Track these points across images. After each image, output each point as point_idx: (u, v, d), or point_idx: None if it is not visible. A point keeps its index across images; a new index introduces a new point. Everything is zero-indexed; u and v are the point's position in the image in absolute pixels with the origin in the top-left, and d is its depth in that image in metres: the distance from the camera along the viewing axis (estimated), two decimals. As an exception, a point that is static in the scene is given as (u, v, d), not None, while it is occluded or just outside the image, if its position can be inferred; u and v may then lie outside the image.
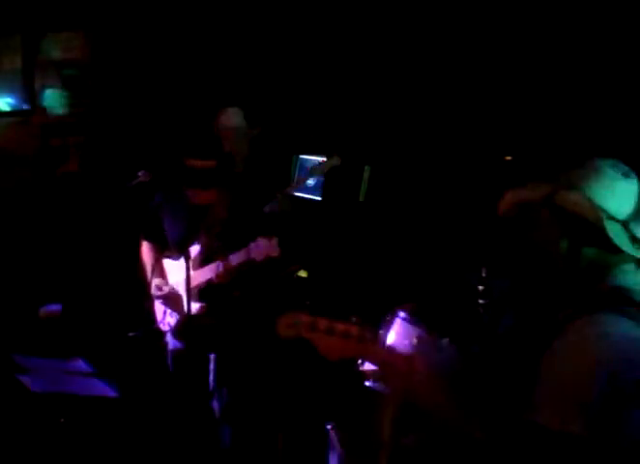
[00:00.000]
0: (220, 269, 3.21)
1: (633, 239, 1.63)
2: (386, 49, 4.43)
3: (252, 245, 3.10)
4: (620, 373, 1.48)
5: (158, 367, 3.56)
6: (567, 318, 1.62)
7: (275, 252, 3.08)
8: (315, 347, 1.74)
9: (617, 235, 1.61)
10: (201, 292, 3.32)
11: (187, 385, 3.49)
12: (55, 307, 4.28)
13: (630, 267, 1.65)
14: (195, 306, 3.26)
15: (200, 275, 3.29)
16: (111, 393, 2.70)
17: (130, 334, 3.48)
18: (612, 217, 1.62)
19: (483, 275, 3.12)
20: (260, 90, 4.89)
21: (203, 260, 3.32)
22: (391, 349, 1.78)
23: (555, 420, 1.50)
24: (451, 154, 4.16)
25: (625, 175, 1.67)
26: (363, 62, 4.55)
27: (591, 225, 1.61)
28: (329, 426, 2.95)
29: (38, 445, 3.26)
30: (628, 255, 1.64)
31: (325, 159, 3.67)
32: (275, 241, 3.08)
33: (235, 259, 3.17)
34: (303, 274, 3.97)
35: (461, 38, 4.08)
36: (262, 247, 3.08)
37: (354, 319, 1.85)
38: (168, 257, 3.44)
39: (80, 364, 2.80)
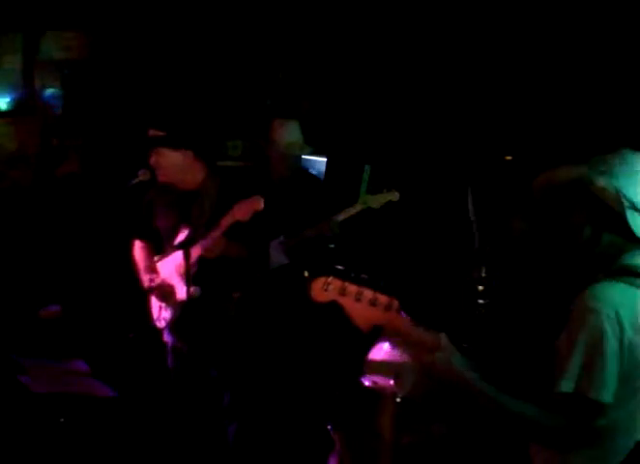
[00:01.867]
0: (208, 242, 3.17)
1: None
2: (386, 50, 4.43)
3: (235, 207, 3.08)
4: (624, 336, 1.60)
5: (158, 366, 3.56)
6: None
7: (259, 205, 3.06)
8: (345, 313, 1.76)
9: (637, 225, 1.66)
10: (195, 276, 3.25)
11: (187, 382, 3.48)
12: (55, 307, 4.28)
13: None
14: (190, 290, 3.21)
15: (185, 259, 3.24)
16: (111, 393, 2.69)
17: (131, 335, 3.47)
18: (636, 208, 1.67)
19: (483, 274, 3.12)
20: (260, 90, 4.89)
21: (186, 243, 3.27)
22: (414, 322, 1.77)
23: (575, 387, 1.60)
24: (452, 154, 4.16)
25: None
26: (363, 62, 4.54)
27: (614, 213, 1.67)
28: (329, 426, 2.95)
29: (38, 445, 3.25)
30: None
31: (385, 192, 3.68)
32: (257, 197, 3.06)
33: (220, 227, 3.13)
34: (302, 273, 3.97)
35: (461, 38, 4.08)
36: (246, 206, 3.06)
37: (382, 284, 1.85)
38: (161, 255, 3.41)
39: (80, 364, 2.80)
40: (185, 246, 3.14)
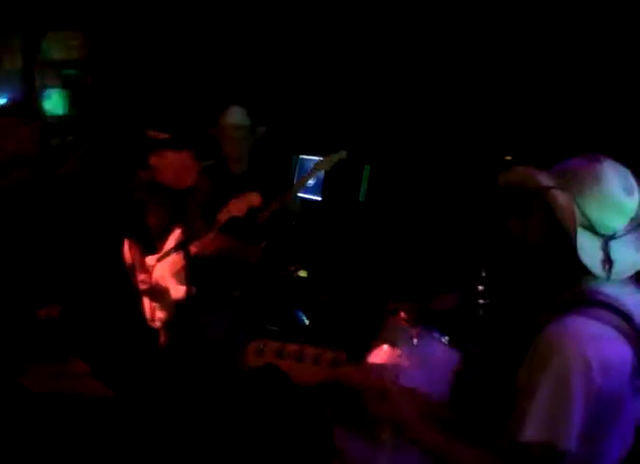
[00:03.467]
0: (205, 239, 3.19)
1: (606, 260, 1.55)
2: (386, 50, 4.43)
3: (231, 202, 3.09)
4: (592, 378, 1.46)
5: (156, 366, 3.56)
6: (540, 324, 1.57)
7: (255, 201, 3.06)
8: (286, 374, 1.66)
9: (586, 251, 1.54)
10: (190, 276, 3.26)
11: (185, 380, 3.48)
12: (55, 307, 4.28)
13: None
14: (184, 290, 3.23)
15: (182, 258, 3.27)
16: (111, 393, 2.70)
17: (130, 335, 3.48)
18: (592, 230, 1.55)
19: (483, 274, 3.12)
20: (260, 90, 4.89)
21: (184, 242, 3.28)
22: (369, 371, 1.68)
23: (539, 436, 1.46)
24: (452, 154, 4.16)
25: (627, 190, 1.58)
26: (363, 62, 4.55)
27: (566, 233, 1.55)
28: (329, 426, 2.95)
29: (38, 445, 3.25)
30: None
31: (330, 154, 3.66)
32: (254, 193, 3.07)
33: (217, 224, 3.15)
34: (302, 273, 3.97)
35: (461, 38, 4.08)
36: (242, 202, 3.07)
37: (322, 298, 1.77)
38: (158, 255, 3.42)
39: (80, 365, 2.80)
40: (183, 247, 3.15)
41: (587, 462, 1.51)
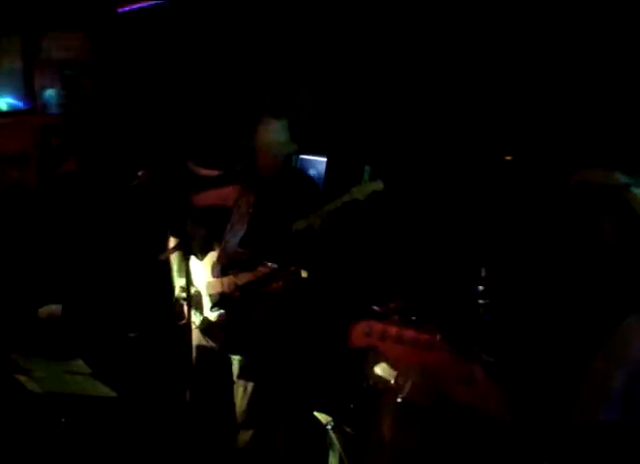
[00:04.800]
0: (232, 285, 3.30)
1: None
2: (386, 49, 4.43)
3: (260, 268, 3.18)
4: None
5: (179, 364, 3.58)
6: (617, 318, 1.63)
7: (297, 278, 3.20)
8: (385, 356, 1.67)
9: None
10: (222, 298, 3.39)
11: (208, 382, 3.55)
12: (55, 307, 4.28)
13: None
14: (216, 314, 3.39)
15: (216, 286, 3.40)
16: (111, 393, 2.70)
17: (131, 335, 3.48)
18: None
19: (483, 274, 3.12)
20: (260, 90, 4.89)
21: (223, 268, 3.40)
22: (462, 359, 1.65)
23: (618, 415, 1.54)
24: (451, 154, 4.16)
25: None
26: (363, 62, 4.55)
27: None
28: (329, 426, 2.95)
29: (38, 445, 3.25)
30: None
31: (369, 182, 3.66)
32: (302, 271, 3.23)
33: (242, 279, 3.28)
34: (302, 273, 3.96)
35: (461, 38, 4.07)
36: (287, 277, 3.18)
37: (414, 319, 1.77)
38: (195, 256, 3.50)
39: (80, 364, 2.80)
40: (184, 247, 3.21)
41: None
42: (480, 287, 3.08)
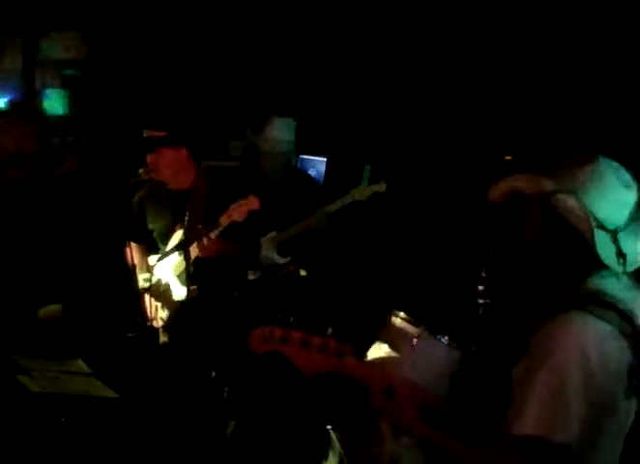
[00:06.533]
0: (206, 241, 3.18)
1: (619, 253, 1.58)
2: (387, 49, 4.43)
3: (232, 207, 3.08)
4: (592, 374, 1.47)
5: (155, 366, 3.56)
6: (539, 322, 1.59)
7: (255, 205, 3.05)
8: (290, 361, 1.64)
9: (603, 248, 1.56)
10: (192, 275, 3.26)
11: (184, 381, 3.48)
12: (55, 307, 4.28)
13: (612, 272, 1.60)
14: (185, 290, 3.21)
15: (183, 259, 3.25)
16: (111, 393, 2.70)
17: (130, 335, 3.48)
18: (602, 227, 1.57)
19: (483, 275, 3.12)
20: (260, 90, 4.89)
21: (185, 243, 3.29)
22: (371, 365, 1.68)
23: (536, 429, 1.46)
24: (452, 154, 4.16)
25: (626, 184, 1.62)
26: (363, 62, 4.55)
27: (579, 235, 1.57)
28: (329, 427, 2.95)
29: (38, 445, 3.25)
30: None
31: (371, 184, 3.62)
32: (252, 197, 3.06)
33: (218, 227, 3.12)
34: (301, 273, 3.96)
35: (461, 38, 4.08)
36: (242, 206, 3.06)
37: (330, 331, 1.76)
38: (159, 256, 3.42)
39: (80, 364, 2.80)
40: (183, 247, 3.15)
41: (584, 458, 1.50)
42: (481, 287, 3.08)
